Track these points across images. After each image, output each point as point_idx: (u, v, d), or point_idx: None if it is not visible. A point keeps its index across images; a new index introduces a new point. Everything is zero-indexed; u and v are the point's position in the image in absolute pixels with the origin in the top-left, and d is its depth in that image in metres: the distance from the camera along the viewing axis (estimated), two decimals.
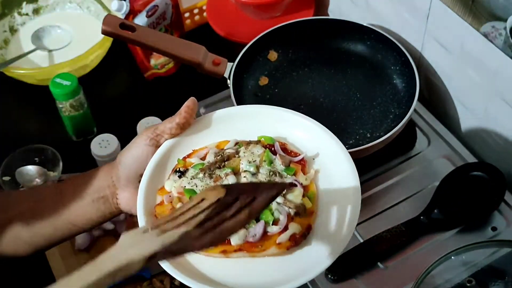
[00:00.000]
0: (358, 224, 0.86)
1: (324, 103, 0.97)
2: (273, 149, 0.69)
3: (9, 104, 1.20)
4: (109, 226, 0.97)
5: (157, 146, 0.71)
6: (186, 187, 0.67)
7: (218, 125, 0.73)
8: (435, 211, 0.86)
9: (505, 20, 0.79)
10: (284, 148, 0.70)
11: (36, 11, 1.31)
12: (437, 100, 1.01)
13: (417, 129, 0.97)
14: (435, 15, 0.92)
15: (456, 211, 0.86)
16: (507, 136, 0.89)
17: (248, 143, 0.70)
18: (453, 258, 0.78)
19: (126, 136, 1.09)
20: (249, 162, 0.67)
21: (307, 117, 0.72)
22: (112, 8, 1.07)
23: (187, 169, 0.69)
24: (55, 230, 0.74)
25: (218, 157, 0.68)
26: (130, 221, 0.98)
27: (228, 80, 0.95)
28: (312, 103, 0.97)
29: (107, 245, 0.94)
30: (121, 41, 1.00)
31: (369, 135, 0.92)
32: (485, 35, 0.84)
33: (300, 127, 0.71)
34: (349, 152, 0.88)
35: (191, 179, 0.67)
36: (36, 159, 1.06)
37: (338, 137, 0.93)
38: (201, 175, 0.67)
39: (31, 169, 1.05)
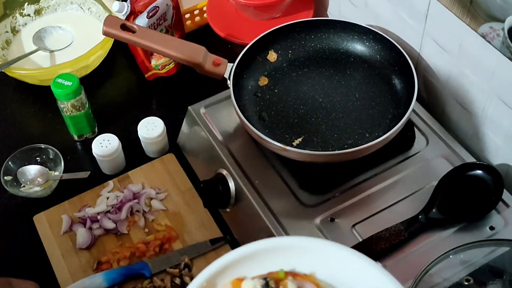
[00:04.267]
0: (356, 224, 0.88)
1: (323, 103, 0.97)
2: None
3: (10, 104, 1.21)
4: (110, 225, 0.98)
5: None
6: None
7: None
8: (434, 210, 0.86)
9: (503, 21, 0.79)
10: None
11: (37, 12, 1.31)
12: (435, 100, 1.01)
13: (415, 129, 0.97)
14: (433, 16, 0.93)
15: (454, 211, 0.86)
16: (505, 136, 0.89)
17: None
18: (451, 257, 0.78)
19: (127, 136, 1.10)
20: None
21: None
22: (113, 9, 1.07)
23: (277, 287, 0.59)
24: None
25: None
26: (131, 220, 0.99)
27: (228, 81, 0.96)
28: (312, 103, 0.97)
29: (108, 244, 0.96)
30: (122, 42, 1.00)
31: (367, 135, 0.93)
32: (483, 36, 0.84)
33: None
34: (348, 152, 0.90)
35: None
36: (38, 158, 1.06)
37: (337, 137, 0.94)
38: None
39: (32, 168, 1.05)
